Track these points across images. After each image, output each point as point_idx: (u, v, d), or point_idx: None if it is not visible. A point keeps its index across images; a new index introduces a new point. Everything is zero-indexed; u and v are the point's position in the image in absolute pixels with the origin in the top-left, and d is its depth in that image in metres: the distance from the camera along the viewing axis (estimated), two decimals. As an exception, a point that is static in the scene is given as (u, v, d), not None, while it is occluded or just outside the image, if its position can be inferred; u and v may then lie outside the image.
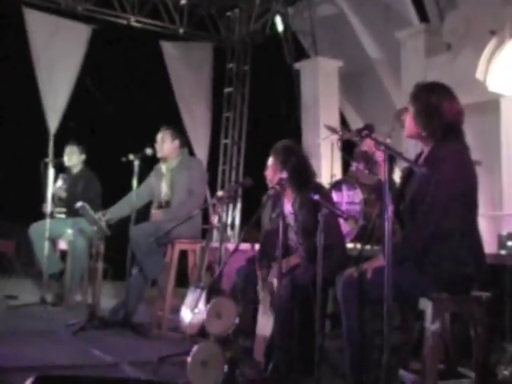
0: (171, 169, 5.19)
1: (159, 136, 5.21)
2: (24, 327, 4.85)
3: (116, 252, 5.94)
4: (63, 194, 6.15)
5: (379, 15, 7.93)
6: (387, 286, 2.51)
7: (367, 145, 2.98)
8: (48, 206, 5.97)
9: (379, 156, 2.94)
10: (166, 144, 5.17)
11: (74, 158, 6.31)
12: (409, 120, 3.06)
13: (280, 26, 8.99)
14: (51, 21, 8.47)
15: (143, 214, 5.26)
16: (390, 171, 2.81)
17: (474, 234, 2.94)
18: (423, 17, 7.59)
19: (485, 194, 5.70)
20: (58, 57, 8.35)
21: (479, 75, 6.27)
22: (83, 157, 6.37)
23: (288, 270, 3.74)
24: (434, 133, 2.95)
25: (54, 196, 6.14)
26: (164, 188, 5.16)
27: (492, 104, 6.36)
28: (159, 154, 5.19)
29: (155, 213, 5.11)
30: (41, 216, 6.04)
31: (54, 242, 6.08)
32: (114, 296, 6.41)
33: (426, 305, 2.81)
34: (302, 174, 3.89)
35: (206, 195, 5.10)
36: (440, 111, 2.93)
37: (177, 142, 5.22)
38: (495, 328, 3.68)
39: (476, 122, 5.58)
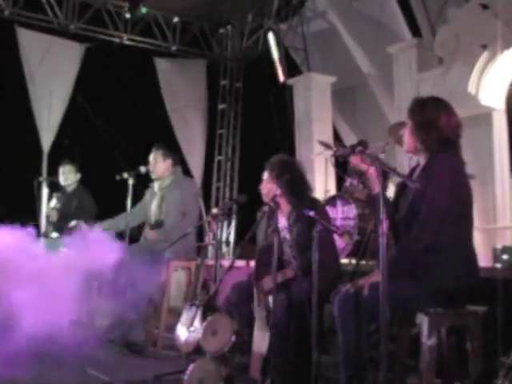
0: (163, 188, 5.19)
1: (151, 157, 5.22)
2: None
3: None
4: (54, 218, 6.09)
5: (371, 30, 8.00)
6: (383, 300, 2.51)
7: (356, 160, 2.98)
8: (42, 225, 5.95)
9: (371, 171, 2.94)
10: (158, 164, 5.18)
11: (70, 177, 6.29)
12: (407, 134, 3.06)
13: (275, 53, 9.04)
14: (44, 40, 8.52)
15: (136, 233, 5.25)
16: (384, 186, 2.80)
17: (469, 246, 2.93)
18: (415, 31, 7.68)
19: (478, 207, 5.73)
20: (52, 75, 8.39)
21: (471, 89, 6.34)
22: (78, 176, 6.36)
23: (283, 284, 3.72)
24: (430, 146, 2.95)
25: (47, 216, 6.12)
26: (153, 208, 5.16)
27: (484, 117, 6.41)
28: (153, 176, 5.20)
29: (148, 233, 5.10)
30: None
31: (48, 261, 6.05)
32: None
33: (422, 319, 2.80)
34: (297, 189, 3.88)
35: (202, 212, 5.09)
36: (437, 125, 2.93)
37: (169, 161, 5.21)
38: (491, 341, 3.67)
39: (468, 136, 5.55)
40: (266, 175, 4.00)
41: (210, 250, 7.02)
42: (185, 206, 5.00)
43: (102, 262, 4.26)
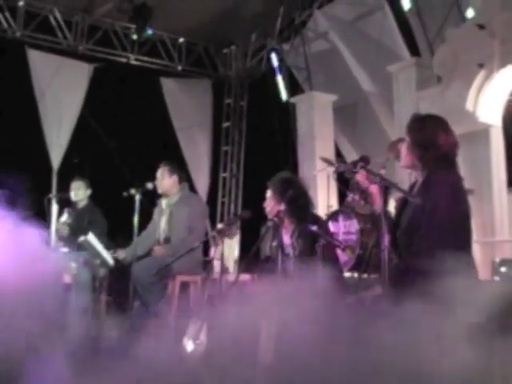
0: (171, 204, 5.29)
1: (158, 172, 5.33)
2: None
3: (119, 285, 6.00)
4: (65, 232, 6.16)
5: (371, 50, 8.16)
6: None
7: (360, 178, 3.08)
8: (52, 241, 6.04)
9: (372, 188, 3.03)
10: (164, 180, 5.29)
11: (80, 192, 6.35)
12: (404, 150, 3.14)
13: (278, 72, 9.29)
14: (54, 60, 8.72)
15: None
16: (385, 202, 2.88)
17: (468, 258, 2.99)
18: (414, 51, 7.83)
19: (477, 221, 5.82)
20: (61, 94, 8.59)
21: (469, 106, 6.49)
22: (89, 191, 6.42)
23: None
24: (428, 163, 3.02)
25: (57, 230, 6.20)
26: (162, 224, 5.27)
27: (482, 134, 6.55)
28: (159, 190, 5.30)
29: (157, 248, 5.21)
30: (45, 250, 6.11)
31: (58, 275, 6.14)
32: (117, 328, 6.43)
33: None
34: (299, 206, 3.96)
35: (207, 228, 5.20)
36: (435, 143, 3.00)
37: (175, 178, 5.32)
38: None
39: (467, 152, 5.74)
40: (269, 193, 4.08)
41: (215, 264, 7.13)
42: (192, 222, 5.11)
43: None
